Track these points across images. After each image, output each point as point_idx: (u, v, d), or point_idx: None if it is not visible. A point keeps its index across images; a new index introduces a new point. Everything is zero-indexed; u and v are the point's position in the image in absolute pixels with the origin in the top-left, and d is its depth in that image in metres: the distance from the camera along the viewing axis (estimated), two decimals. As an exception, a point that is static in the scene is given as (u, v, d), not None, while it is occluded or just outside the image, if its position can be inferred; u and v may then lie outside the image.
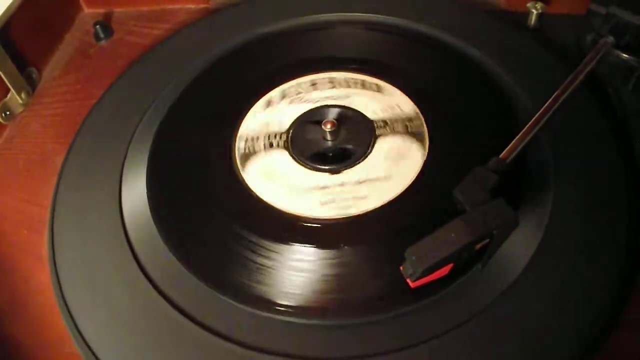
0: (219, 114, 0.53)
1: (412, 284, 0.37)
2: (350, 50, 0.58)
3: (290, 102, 0.53)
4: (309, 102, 0.53)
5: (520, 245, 0.42)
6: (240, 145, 0.50)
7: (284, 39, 0.61)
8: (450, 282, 0.40)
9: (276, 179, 0.47)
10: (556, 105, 0.46)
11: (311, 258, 0.42)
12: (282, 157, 0.49)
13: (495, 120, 0.50)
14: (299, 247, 0.43)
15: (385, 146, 0.48)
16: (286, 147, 0.49)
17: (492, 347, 0.38)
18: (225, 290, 0.42)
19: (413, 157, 0.47)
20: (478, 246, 0.38)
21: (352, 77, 0.54)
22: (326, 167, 0.48)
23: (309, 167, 0.48)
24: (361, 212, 0.44)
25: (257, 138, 0.50)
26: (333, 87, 0.54)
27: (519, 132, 0.44)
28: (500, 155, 0.43)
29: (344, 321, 0.40)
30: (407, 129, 0.49)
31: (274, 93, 0.54)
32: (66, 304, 0.44)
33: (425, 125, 0.49)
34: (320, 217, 0.44)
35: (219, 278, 0.42)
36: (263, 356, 0.39)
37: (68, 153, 0.54)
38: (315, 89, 0.54)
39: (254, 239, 0.43)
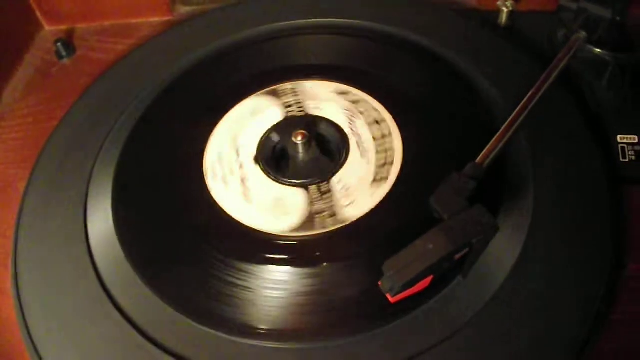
0: (186, 130, 0.51)
1: (391, 299, 0.36)
2: (315, 56, 0.57)
3: (257, 116, 0.51)
4: (276, 113, 0.51)
5: (503, 252, 0.41)
6: (209, 163, 0.48)
7: (246, 50, 0.59)
8: (432, 296, 0.38)
9: (250, 197, 0.46)
10: (531, 105, 0.45)
11: (286, 278, 0.41)
12: (255, 175, 0.47)
13: (469, 122, 0.48)
14: (274, 267, 0.41)
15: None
16: (258, 163, 0.48)
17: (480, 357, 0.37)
18: (202, 318, 0.40)
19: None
20: (458, 256, 0.37)
21: (320, 84, 0.53)
22: (299, 182, 0.46)
23: (282, 182, 0.46)
24: (336, 227, 0.43)
25: (226, 155, 0.48)
26: (296, 95, 0.52)
27: (494, 133, 0.43)
28: (477, 160, 0.41)
29: (321, 344, 0.39)
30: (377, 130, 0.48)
31: (241, 107, 0.52)
32: (32, 340, 0.41)
33: (395, 126, 0.48)
34: (295, 235, 0.43)
35: (193, 305, 0.41)
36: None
37: (30, 178, 0.51)
38: (279, 98, 0.52)
39: (227, 260, 0.42)
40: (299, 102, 0.52)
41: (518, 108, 0.45)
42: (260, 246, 0.42)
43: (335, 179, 0.46)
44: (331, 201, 0.44)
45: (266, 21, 0.61)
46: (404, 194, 0.44)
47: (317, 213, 0.44)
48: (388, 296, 0.36)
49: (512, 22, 0.60)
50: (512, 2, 0.60)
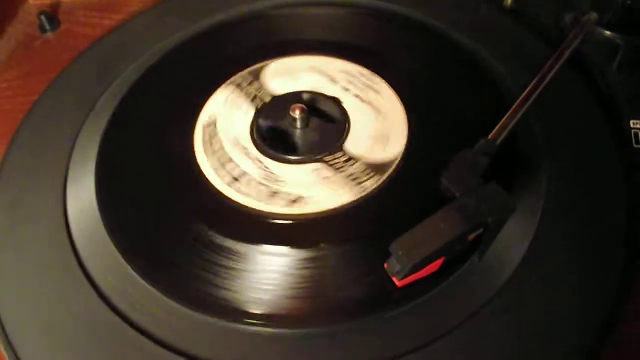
0: (174, 105, 0.48)
1: (398, 283, 0.33)
2: (312, 32, 0.54)
3: (246, 95, 0.48)
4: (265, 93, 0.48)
5: (515, 235, 0.38)
6: (199, 138, 0.45)
7: (238, 25, 0.56)
8: (441, 280, 0.35)
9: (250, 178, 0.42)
10: (544, 83, 0.43)
11: (283, 260, 0.37)
12: (253, 152, 0.44)
13: (477, 102, 0.46)
14: (269, 247, 0.38)
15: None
16: (253, 140, 0.45)
17: (494, 348, 0.34)
18: (188, 300, 0.37)
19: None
20: (471, 236, 0.34)
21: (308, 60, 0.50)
22: (299, 157, 0.43)
23: (280, 159, 0.43)
24: (338, 205, 0.40)
25: (218, 135, 0.45)
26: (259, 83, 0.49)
27: (503, 113, 0.41)
28: (489, 137, 0.39)
29: (322, 329, 0.35)
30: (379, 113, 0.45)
31: (232, 82, 0.49)
32: (6, 335, 0.38)
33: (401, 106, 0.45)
34: (291, 213, 0.40)
35: (181, 289, 0.37)
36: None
37: (4, 156, 0.48)
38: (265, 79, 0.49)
39: (218, 239, 0.38)
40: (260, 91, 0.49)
41: (530, 86, 0.43)
42: (253, 225, 0.39)
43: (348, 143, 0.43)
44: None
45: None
46: (410, 173, 0.41)
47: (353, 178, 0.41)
48: (395, 279, 0.33)
49: (517, 3, 0.58)
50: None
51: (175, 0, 0.61)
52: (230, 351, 0.35)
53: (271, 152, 0.44)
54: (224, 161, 0.43)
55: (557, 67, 0.44)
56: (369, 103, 0.46)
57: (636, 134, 0.46)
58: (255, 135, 0.45)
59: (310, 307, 0.36)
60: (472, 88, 0.47)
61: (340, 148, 0.43)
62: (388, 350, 0.34)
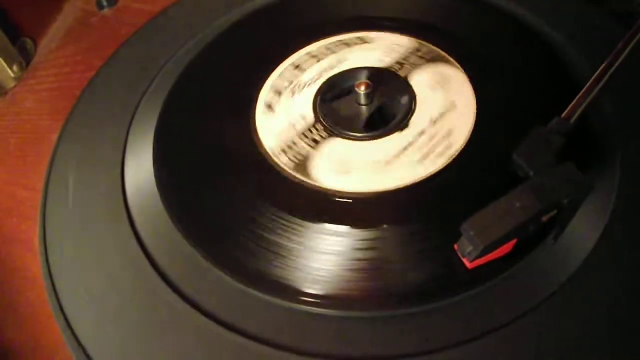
0: (236, 82, 0.47)
1: (469, 265, 0.31)
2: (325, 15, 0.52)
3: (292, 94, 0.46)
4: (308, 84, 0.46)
5: (591, 214, 0.36)
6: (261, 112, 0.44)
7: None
8: (513, 263, 0.34)
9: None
10: (617, 62, 0.40)
11: (344, 239, 0.36)
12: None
13: (548, 82, 0.44)
14: (329, 226, 0.36)
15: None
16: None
17: (560, 336, 0.32)
18: (246, 278, 0.36)
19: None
20: (545, 218, 0.32)
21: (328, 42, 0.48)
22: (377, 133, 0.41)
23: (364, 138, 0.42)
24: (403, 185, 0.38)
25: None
26: (317, 60, 0.47)
27: (575, 94, 0.38)
28: (562, 115, 0.36)
29: (385, 312, 0.34)
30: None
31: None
32: (59, 303, 0.38)
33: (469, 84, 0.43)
34: (355, 192, 0.38)
35: (237, 265, 0.36)
36: (285, 354, 0.33)
37: (63, 129, 0.48)
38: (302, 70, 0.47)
39: (277, 215, 0.37)
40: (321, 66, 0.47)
41: (604, 64, 0.40)
42: (314, 202, 0.38)
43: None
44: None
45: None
46: (479, 151, 0.39)
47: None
48: (465, 261, 0.31)
49: None
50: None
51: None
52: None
53: (336, 129, 0.42)
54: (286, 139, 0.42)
55: (630, 45, 0.41)
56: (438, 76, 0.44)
57: None
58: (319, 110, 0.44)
59: (373, 290, 0.34)
60: (542, 68, 0.45)
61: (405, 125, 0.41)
62: (453, 335, 0.33)
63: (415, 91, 0.43)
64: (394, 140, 0.41)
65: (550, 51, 0.46)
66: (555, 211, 0.32)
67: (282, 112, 0.44)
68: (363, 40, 0.48)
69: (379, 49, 0.47)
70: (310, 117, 0.43)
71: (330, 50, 0.47)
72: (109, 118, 0.47)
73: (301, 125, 0.43)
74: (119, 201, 0.41)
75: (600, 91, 0.38)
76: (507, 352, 0.32)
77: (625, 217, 0.36)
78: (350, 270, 0.35)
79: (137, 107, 0.47)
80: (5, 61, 0.54)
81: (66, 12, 0.62)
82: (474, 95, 0.42)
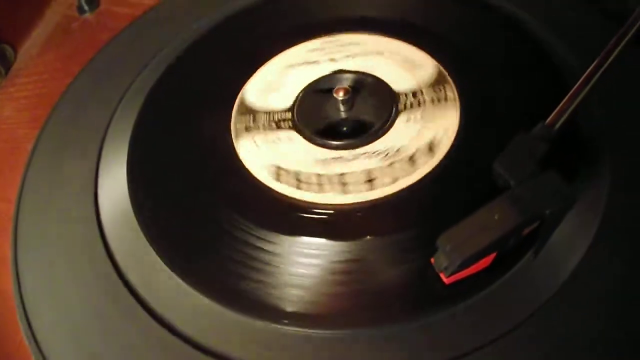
0: (212, 87, 0.46)
1: (446, 280, 0.30)
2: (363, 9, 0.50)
3: (295, 69, 0.45)
4: (317, 68, 0.45)
5: (576, 227, 0.35)
6: (237, 124, 0.43)
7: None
8: (494, 278, 0.32)
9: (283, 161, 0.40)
10: (605, 66, 0.39)
11: (321, 252, 0.35)
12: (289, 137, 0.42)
13: (537, 84, 0.43)
14: (308, 239, 0.35)
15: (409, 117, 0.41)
16: (293, 125, 0.42)
17: (554, 351, 0.31)
18: (221, 298, 0.35)
19: (442, 126, 0.40)
20: (526, 230, 0.31)
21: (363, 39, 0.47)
22: (339, 143, 0.40)
23: (319, 144, 0.41)
24: (383, 195, 0.37)
25: (257, 116, 0.43)
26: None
27: (564, 96, 0.37)
28: (546, 122, 0.35)
29: (354, 331, 0.33)
30: (434, 97, 0.42)
31: (276, 62, 0.47)
32: (26, 315, 0.37)
33: (454, 90, 0.42)
34: (333, 203, 0.37)
35: (212, 285, 0.35)
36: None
37: (37, 139, 0.47)
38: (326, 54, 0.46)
39: (251, 228, 0.36)
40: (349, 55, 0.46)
41: (591, 67, 0.39)
42: (289, 214, 0.37)
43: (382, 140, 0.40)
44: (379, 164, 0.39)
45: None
46: (460, 162, 0.38)
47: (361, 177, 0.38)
48: (442, 276, 0.30)
49: None
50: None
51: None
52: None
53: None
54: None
55: (619, 48, 0.40)
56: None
57: None
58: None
59: (350, 307, 0.33)
60: (532, 69, 0.44)
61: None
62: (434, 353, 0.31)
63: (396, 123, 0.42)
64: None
65: (542, 53, 0.45)
66: (537, 223, 0.30)
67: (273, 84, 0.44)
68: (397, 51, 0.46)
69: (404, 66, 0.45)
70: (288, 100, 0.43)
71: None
72: (83, 127, 0.46)
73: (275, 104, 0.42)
74: (91, 214, 0.41)
75: (586, 96, 0.37)
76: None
77: (614, 231, 0.35)
78: (327, 286, 0.34)
79: (111, 117, 0.46)
80: (-17, 69, 0.53)
81: (47, 18, 0.62)
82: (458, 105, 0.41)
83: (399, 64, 0.44)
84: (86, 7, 0.61)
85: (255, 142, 0.41)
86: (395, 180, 0.37)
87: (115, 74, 0.50)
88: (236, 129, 0.42)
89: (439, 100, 0.42)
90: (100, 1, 0.62)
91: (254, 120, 0.43)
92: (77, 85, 0.50)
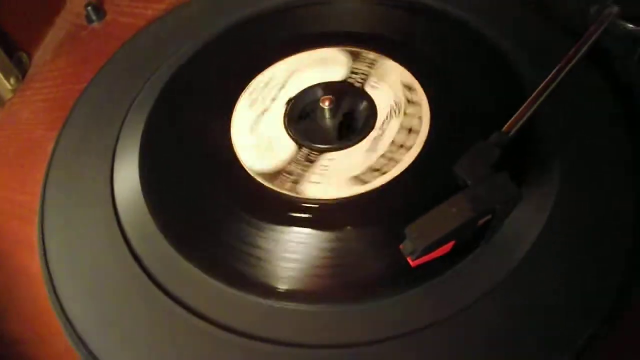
0: (214, 95, 0.51)
1: (412, 263, 0.36)
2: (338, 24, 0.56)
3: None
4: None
5: (527, 221, 0.40)
6: (237, 127, 0.48)
7: (282, 14, 0.58)
8: (454, 262, 0.38)
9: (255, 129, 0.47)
10: (560, 77, 0.44)
11: (311, 240, 0.41)
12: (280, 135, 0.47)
13: (499, 93, 0.48)
14: (299, 229, 0.41)
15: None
16: (285, 125, 0.48)
17: (501, 327, 0.37)
18: (228, 280, 0.40)
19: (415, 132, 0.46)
20: (481, 222, 0.36)
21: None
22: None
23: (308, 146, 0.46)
24: (364, 191, 0.43)
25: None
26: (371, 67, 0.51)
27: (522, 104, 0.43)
28: (503, 129, 0.41)
29: (345, 307, 0.39)
30: (405, 105, 0.48)
31: (268, 73, 0.52)
32: (57, 296, 0.42)
33: (425, 97, 0.48)
34: (323, 198, 0.43)
35: (221, 268, 0.41)
36: (262, 345, 0.38)
37: (58, 139, 0.52)
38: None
39: (248, 219, 0.42)
40: (365, 75, 0.50)
41: (546, 80, 0.44)
42: (283, 208, 0.43)
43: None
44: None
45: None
46: (431, 161, 0.44)
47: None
48: (409, 259, 0.36)
49: None
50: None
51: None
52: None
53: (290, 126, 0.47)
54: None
55: (573, 61, 0.45)
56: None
57: (654, 125, 0.46)
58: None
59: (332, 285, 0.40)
60: (497, 81, 0.49)
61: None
62: (405, 326, 0.37)
63: (373, 99, 0.47)
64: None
65: (506, 67, 0.50)
66: (489, 217, 0.36)
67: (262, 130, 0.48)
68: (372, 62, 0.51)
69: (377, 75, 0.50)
70: (291, 145, 0.47)
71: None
72: (99, 129, 0.52)
73: (287, 154, 0.46)
74: (109, 205, 0.46)
75: (540, 106, 0.42)
76: (446, 343, 0.37)
77: (560, 224, 0.40)
78: (316, 268, 0.40)
79: (124, 119, 0.52)
80: (3, 74, 0.58)
81: (58, 26, 0.67)
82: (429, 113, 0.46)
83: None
84: (94, 17, 0.66)
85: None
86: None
87: (127, 78, 0.55)
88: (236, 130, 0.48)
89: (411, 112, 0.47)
90: (107, 11, 0.67)
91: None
92: (91, 90, 0.56)
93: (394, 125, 0.46)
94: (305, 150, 0.46)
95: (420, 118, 0.46)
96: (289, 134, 0.47)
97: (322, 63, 0.52)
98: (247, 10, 0.59)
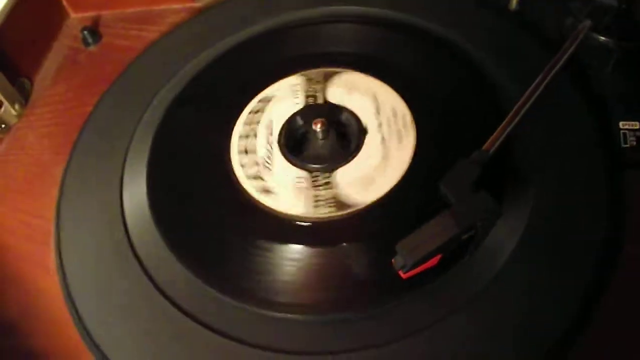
0: (216, 114, 0.54)
1: (403, 276, 0.39)
2: (325, 45, 0.59)
3: (279, 102, 0.54)
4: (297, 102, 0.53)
5: (506, 235, 0.43)
6: (237, 146, 0.51)
7: (275, 35, 0.61)
8: (441, 273, 0.42)
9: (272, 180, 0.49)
10: (536, 94, 0.46)
11: (306, 257, 0.44)
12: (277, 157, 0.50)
13: (481, 110, 0.50)
14: (295, 246, 0.44)
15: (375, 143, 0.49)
16: (280, 149, 0.50)
17: (484, 331, 0.40)
18: (238, 295, 0.43)
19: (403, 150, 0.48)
20: (465, 237, 0.40)
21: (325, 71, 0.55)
22: (319, 166, 0.49)
23: (300, 167, 0.49)
24: (352, 211, 0.46)
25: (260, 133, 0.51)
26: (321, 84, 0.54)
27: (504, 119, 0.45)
28: (483, 147, 0.44)
29: (340, 316, 0.42)
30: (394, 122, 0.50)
31: (267, 92, 0.55)
32: (77, 313, 0.45)
33: (411, 116, 0.50)
34: (315, 217, 0.46)
35: (229, 283, 0.44)
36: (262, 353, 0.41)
37: (68, 164, 0.55)
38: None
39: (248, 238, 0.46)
40: (319, 92, 0.53)
41: (524, 97, 0.46)
42: (280, 227, 0.46)
43: (339, 171, 0.48)
44: (333, 190, 0.47)
45: (297, 7, 0.63)
46: (417, 180, 0.46)
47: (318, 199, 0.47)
48: (400, 273, 0.39)
49: (522, 6, 0.60)
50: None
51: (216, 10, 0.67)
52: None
53: (283, 144, 0.50)
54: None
55: (548, 78, 0.47)
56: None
57: (624, 135, 0.49)
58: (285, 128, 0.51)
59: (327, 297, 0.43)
60: (479, 98, 0.51)
61: (330, 171, 0.48)
62: (396, 332, 0.41)
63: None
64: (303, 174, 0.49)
65: (489, 82, 0.53)
66: (472, 232, 0.39)
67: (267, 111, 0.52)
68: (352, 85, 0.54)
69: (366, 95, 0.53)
70: (304, 174, 0.49)
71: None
72: (106, 153, 0.54)
73: (305, 183, 0.48)
74: (119, 225, 0.49)
75: (518, 124, 0.45)
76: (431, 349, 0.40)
77: (536, 237, 0.43)
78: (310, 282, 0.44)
79: (130, 142, 0.55)
80: (8, 101, 0.60)
81: (55, 51, 0.69)
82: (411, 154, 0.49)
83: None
84: (90, 40, 0.68)
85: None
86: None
87: (130, 102, 0.58)
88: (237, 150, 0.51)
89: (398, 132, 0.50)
90: (102, 34, 0.69)
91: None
92: (98, 114, 0.58)
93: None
94: (318, 174, 0.48)
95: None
96: (296, 165, 0.49)
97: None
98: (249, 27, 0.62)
